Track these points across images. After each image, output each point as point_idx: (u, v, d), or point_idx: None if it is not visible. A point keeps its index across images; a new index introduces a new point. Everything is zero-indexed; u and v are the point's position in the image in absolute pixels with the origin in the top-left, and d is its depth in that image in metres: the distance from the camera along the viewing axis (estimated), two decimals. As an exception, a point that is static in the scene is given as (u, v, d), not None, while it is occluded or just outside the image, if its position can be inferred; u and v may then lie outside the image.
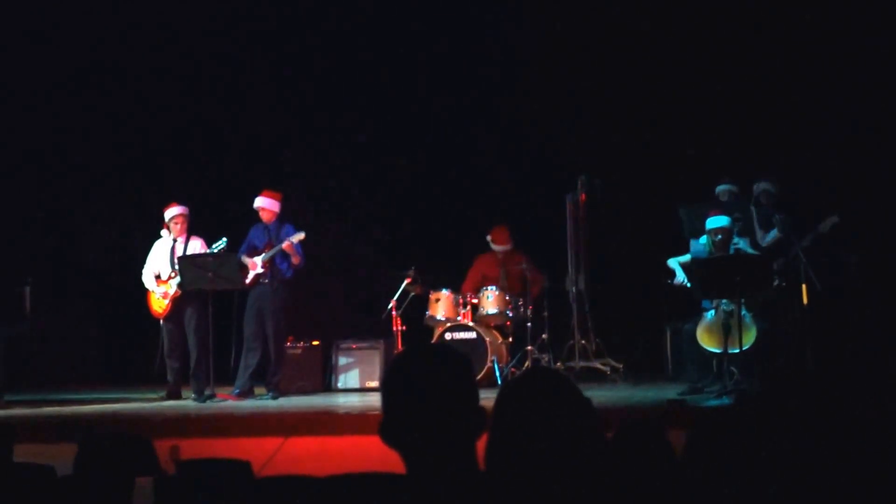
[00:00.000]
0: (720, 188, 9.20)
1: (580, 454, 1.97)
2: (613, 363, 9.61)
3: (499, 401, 2.05)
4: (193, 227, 9.13)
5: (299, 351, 9.62)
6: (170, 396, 8.93)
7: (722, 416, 6.13)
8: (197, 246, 9.01)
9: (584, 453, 1.98)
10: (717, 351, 7.89)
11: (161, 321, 8.99)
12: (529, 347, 9.17)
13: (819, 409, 2.03)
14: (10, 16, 10.85)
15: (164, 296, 8.91)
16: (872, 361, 8.54)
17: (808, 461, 1.98)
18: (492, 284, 9.48)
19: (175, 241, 9.04)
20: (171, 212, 9.02)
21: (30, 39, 11.12)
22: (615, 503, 2.06)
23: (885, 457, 2.04)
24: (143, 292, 9.10)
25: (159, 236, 9.16)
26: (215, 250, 8.85)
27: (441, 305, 9.38)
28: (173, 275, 8.90)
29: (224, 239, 8.91)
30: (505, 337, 9.42)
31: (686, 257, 8.35)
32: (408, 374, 2.09)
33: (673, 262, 8.46)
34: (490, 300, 9.32)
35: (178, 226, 9.00)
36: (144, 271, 9.10)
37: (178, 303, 8.88)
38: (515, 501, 1.96)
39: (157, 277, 9.02)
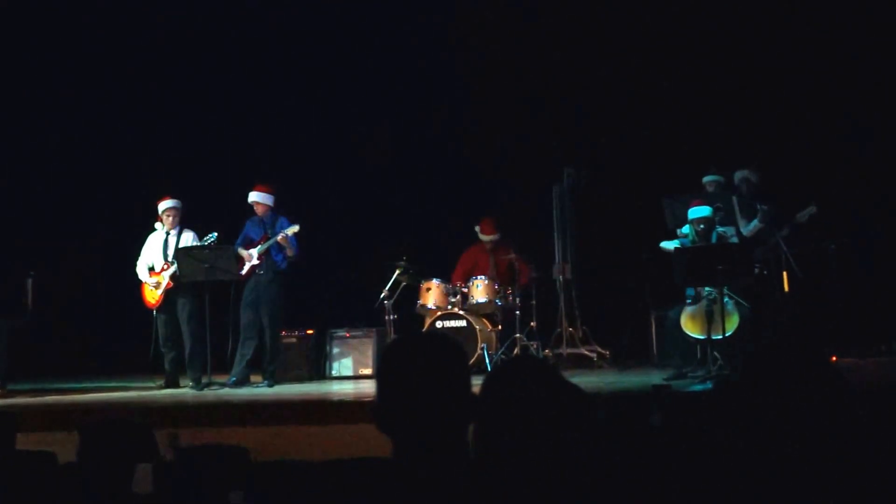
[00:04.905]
0: (707, 179, 9.28)
1: (564, 438, 2.00)
2: (600, 350, 9.77)
3: (483, 389, 2.09)
4: (187, 220, 9.27)
5: (294, 340, 9.73)
6: (167, 385, 9.07)
7: (698, 400, 6.30)
8: (189, 238, 9.13)
9: (568, 437, 2.01)
10: (701, 337, 8.01)
11: (154, 312, 9.12)
12: (518, 335, 9.29)
13: (796, 393, 2.11)
14: (10, 16, 10.96)
15: (157, 287, 9.07)
16: (850, 346, 8.72)
17: (786, 443, 2.00)
18: (481, 274, 9.59)
19: (168, 233, 9.18)
20: (165, 204, 9.14)
21: (30, 36, 11.22)
22: (601, 487, 2.07)
23: (861, 442, 2.11)
24: (138, 283, 9.25)
25: (154, 229, 9.31)
26: (205, 244, 9.02)
27: (432, 295, 9.50)
28: (166, 266, 9.05)
29: (214, 233, 9.07)
30: (494, 325, 9.52)
31: (677, 242, 8.47)
32: (402, 360, 2.11)
33: (668, 244, 8.59)
34: (479, 289, 9.43)
35: (171, 218, 9.13)
36: (138, 263, 9.24)
37: (170, 294, 9.02)
38: (501, 485, 1.99)
39: (151, 269, 9.18)
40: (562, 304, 9.84)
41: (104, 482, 4.71)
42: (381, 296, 9.62)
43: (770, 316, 8.81)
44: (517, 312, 9.43)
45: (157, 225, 9.23)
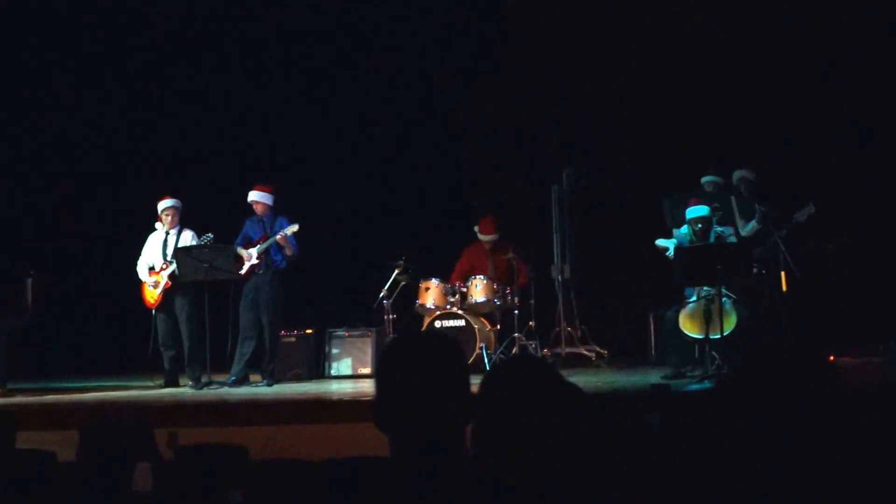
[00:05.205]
0: (705, 179, 9.31)
1: (562, 438, 2.01)
2: (598, 349, 9.80)
3: (481, 388, 2.10)
4: (188, 220, 9.29)
5: (293, 339, 9.74)
6: (167, 384, 9.09)
7: (696, 399, 6.31)
8: (188, 238, 9.16)
9: (566, 437, 2.02)
10: (699, 337, 8.01)
11: (153, 311, 9.14)
12: (517, 335, 9.31)
13: (795, 392, 2.10)
14: (10, 16, 10.98)
15: (156, 286, 9.09)
16: (849, 346, 8.74)
17: (785, 442, 2.00)
18: (480, 274, 9.60)
19: (167, 232, 9.21)
20: (164, 204, 9.18)
21: (30, 36, 11.24)
22: (599, 486, 2.08)
23: (861, 442, 2.11)
24: (138, 283, 9.26)
25: (154, 229, 9.33)
26: (203, 243, 9.04)
27: (431, 294, 9.52)
28: (165, 266, 9.08)
29: (210, 234, 9.11)
30: (493, 324, 9.54)
31: (673, 241, 8.49)
32: (402, 359, 2.13)
33: (664, 242, 8.59)
34: (478, 289, 9.45)
35: (170, 217, 9.16)
36: (139, 262, 9.26)
37: (169, 293, 9.04)
38: (500, 485, 2.00)
39: (151, 269, 9.20)
40: (560, 303, 9.86)
41: (104, 482, 4.71)
42: (380, 295, 9.64)
43: (768, 316, 8.82)
44: (516, 312, 9.45)
45: (157, 225, 9.26)
